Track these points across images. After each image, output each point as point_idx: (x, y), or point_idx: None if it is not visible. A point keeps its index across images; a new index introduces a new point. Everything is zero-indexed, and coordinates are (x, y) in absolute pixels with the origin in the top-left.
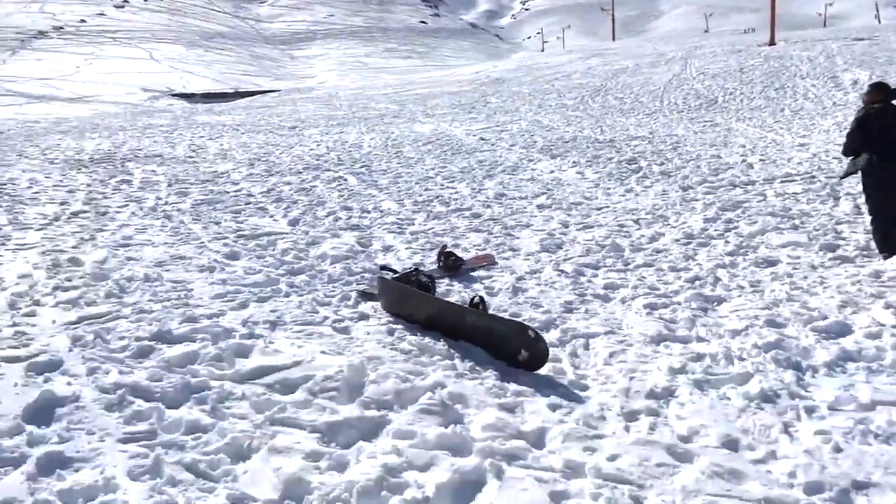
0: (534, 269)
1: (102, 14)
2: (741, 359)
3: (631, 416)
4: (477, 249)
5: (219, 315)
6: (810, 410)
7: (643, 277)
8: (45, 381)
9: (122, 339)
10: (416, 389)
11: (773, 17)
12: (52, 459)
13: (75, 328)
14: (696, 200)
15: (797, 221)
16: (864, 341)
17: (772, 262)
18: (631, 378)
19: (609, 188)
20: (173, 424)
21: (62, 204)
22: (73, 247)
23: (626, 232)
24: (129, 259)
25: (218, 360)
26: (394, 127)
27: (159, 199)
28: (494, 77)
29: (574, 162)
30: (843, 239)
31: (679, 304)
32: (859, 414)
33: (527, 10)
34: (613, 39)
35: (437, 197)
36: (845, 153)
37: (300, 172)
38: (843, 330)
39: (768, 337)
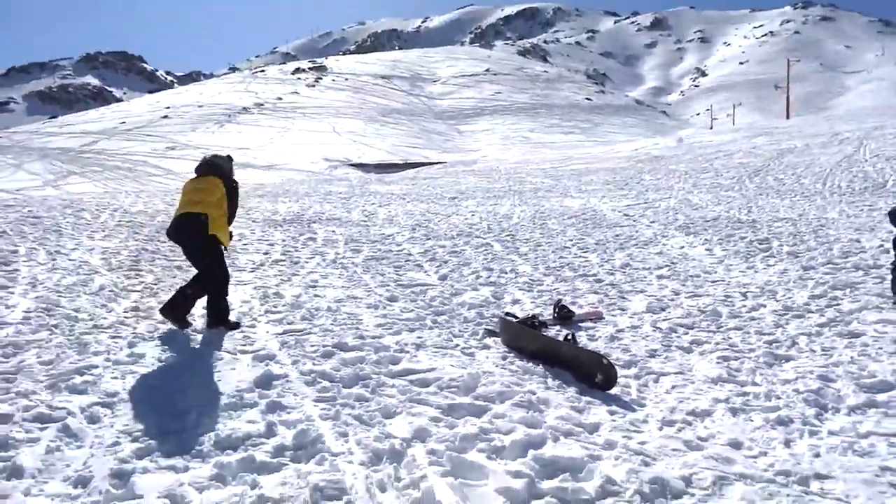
0: (634, 324)
1: (296, 93)
2: (778, 397)
3: (668, 423)
4: (590, 307)
5: (380, 337)
6: (813, 433)
7: (729, 337)
8: (266, 365)
9: (312, 346)
10: (513, 392)
11: None
12: (274, 406)
13: (281, 337)
14: (812, 279)
15: None
16: None
17: (856, 335)
18: (680, 402)
19: (731, 264)
20: (347, 395)
21: (265, 254)
22: (276, 285)
23: (731, 302)
24: (316, 296)
25: (377, 363)
26: (545, 201)
27: (338, 253)
28: (654, 154)
29: (706, 239)
30: None
31: (749, 358)
32: (853, 439)
33: (696, 86)
34: (787, 117)
35: (568, 264)
36: None
37: (453, 238)
38: (885, 387)
39: (812, 385)
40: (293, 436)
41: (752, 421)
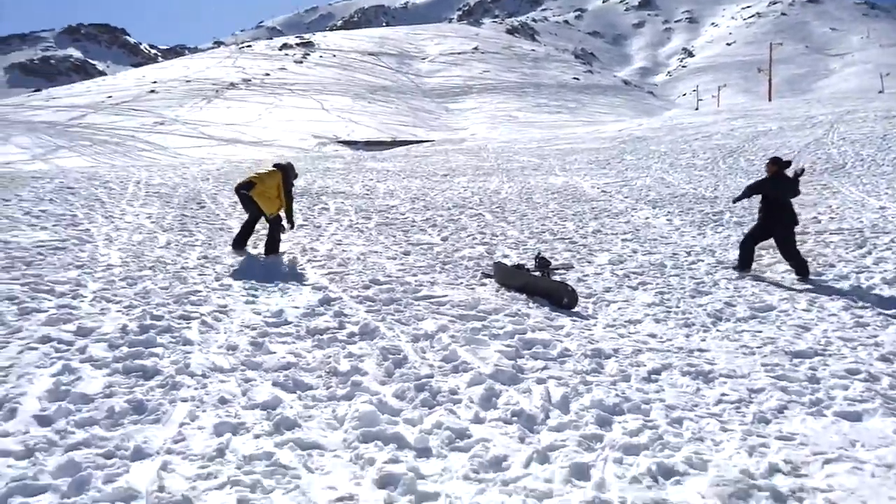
0: (597, 272)
1: (284, 69)
2: (689, 313)
3: (610, 326)
4: (564, 259)
5: (401, 277)
6: (706, 331)
7: (668, 280)
8: (323, 291)
9: (353, 282)
10: (504, 308)
11: None
12: (339, 313)
13: (328, 275)
14: None
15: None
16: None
17: (761, 279)
18: (621, 315)
19: (685, 231)
20: (387, 310)
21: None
22: (309, 242)
23: (676, 258)
24: (344, 250)
25: (404, 291)
26: (531, 178)
27: (351, 220)
28: (636, 135)
29: (669, 212)
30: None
31: (679, 292)
32: (730, 334)
33: (684, 66)
34: (770, 100)
35: (549, 230)
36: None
37: (450, 209)
38: (768, 308)
39: (717, 307)
40: (358, 328)
41: (667, 324)
